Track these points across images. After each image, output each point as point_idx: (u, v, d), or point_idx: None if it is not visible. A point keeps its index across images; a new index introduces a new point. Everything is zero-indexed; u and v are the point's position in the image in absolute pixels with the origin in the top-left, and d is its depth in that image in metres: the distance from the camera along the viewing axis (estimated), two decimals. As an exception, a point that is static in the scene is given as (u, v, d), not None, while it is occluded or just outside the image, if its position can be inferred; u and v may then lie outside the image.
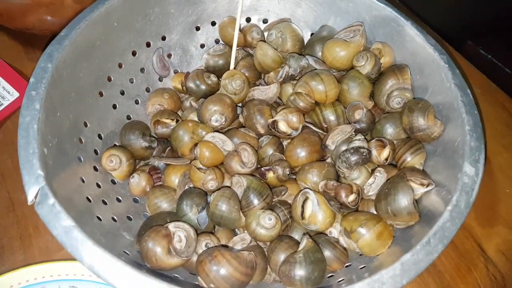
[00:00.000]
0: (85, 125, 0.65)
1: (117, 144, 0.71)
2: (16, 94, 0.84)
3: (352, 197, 0.63)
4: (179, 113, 0.79)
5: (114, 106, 0.72)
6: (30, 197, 0.47)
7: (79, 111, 0.64)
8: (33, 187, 0.48)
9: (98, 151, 0.67)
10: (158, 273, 0.53)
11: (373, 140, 0.68)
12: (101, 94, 0.69)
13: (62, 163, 0.55)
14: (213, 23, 0.83)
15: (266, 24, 0.86)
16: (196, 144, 0.68)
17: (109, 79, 0.71)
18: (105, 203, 0.62)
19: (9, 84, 0.84)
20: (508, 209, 0.81)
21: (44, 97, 0.54)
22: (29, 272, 0.58)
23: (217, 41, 0.85)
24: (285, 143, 0.72)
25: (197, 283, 0.55)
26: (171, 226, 0.57)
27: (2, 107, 0.82)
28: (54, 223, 0.46)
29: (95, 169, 0.64)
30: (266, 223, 0.59)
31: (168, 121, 0.73)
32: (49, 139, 0.53)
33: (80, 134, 0.63)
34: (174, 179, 0.69)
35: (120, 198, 0.66)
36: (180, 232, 0.57)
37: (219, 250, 0.54)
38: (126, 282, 0.45)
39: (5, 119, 0.83)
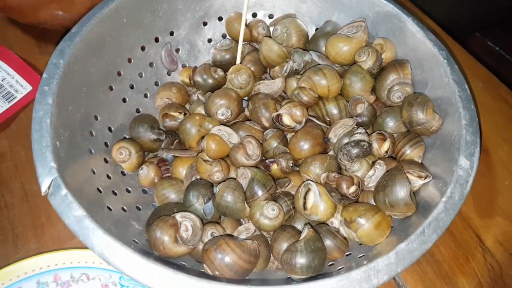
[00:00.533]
0: (96, 118, 0.67)
1: (127, 136, 0.74)
2: (29, 88, 0.87)
3: (352, 189, 0.65)
4: (187, 106, 0.81)
5: (124, 100, 0.74)
6: (44, 188, 0.50)
7: (90, 105, 0.66)
8: (46, 178, 0.50)
9: (109, 143, 0.69)
10: (165, 260, 0.55)
11: (374, 134, 0.70)
12: (111, 88, 0.71)
13: (74, 156, 0.58)
14: (220, 19, 0.85)
15: (271, 20, 0.87)
16: (203, 137, 0.71)
17: (119, 74, 0.73)
18: (115, 193, 0.64)
19: (22, 78, 0.87)
20: (507, 201, 0.82)
21: (56, 92, 0.57)
22: (43, 259, 0.61)
23: (223, 36, 0.87)
24: (289, 136, 0.74)
25: (202, 270, 0.58)
26: (178, 216, 0.59)
27: (16, 100, 0.85)
28: (66, 213, 0.49)
29: (106, 161, 0.67)
30: (269, 214, 0.61)
31: (176, 114, 0.76)
32: (61, 133, 0.56)
33: (91, 127, 0.66)
34: (181, 170, 0.72)
35: (129, 189, 0.68)
36: (186, 221, 0.59)
37: (224, 239, 0.57)
38: (135, 269, 0.47)
39: (19, 111, 0.86)
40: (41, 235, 0.72)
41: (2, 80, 0.84)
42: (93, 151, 0.64)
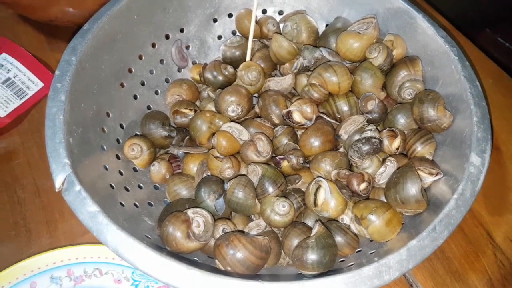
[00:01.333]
0: (108, 115, 0.68)
1: (138, 133, 0.74)
2: (41, 84, 0.88)
3: (363, 186, 0.65)
4: (197, 103, 0.82)
5: (135, 97, 0.75)
6: (58, 184, 0.50)
7: (102, 101, 0.67)
8: (60, 174, 0.51)
9: (120, 140, 0.70)
10: (178, 256, 0.56)
11: (385, 130, 0.71)
12: (122, 85, 0.72)
13: (87, 152, 0.59)
14: (230, 15, 0.86)
15: (281, 16, 0.88)
16: (213, 134, 0.71)
17: (130, 71, 0.74)
18: (127, 189, 0.65)
19: (34, 75, 0.88)
20: None
21: (69, 89, 0.58)
22: (56, 255, 0.62)
23: (233, 33, 0.88)
24: (299, 133, 0.75)
25: (214, 265, 0.58)
26: (190, 212, 0.60)
27: (27, 96, 0.86)
28: (80, 208, 0.49)
29: (118, 157, 0.68)
30: (280, 210, 0.62)
31: (186, 111, 0.76)
32: (74, 129, 0.57)
33: (103, 124, 0.67)
34: (192, 167, 0.73)
35: (141, 185, 0.69)
36: (198, 217, 0.60)
37: (235, 235, 0.58)
38: (148, 264, 0.48)
39: (30, 108, 0.87)
40: (53, 231, 0.73)
41: (14, 77, 0.85)
42: (105, 147, 0.65)
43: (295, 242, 0.61)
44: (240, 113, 0.73)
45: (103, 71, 0.67)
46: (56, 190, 0.50)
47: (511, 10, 1.77)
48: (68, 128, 0.55)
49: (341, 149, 0.74)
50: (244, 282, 0.47)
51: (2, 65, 0.85)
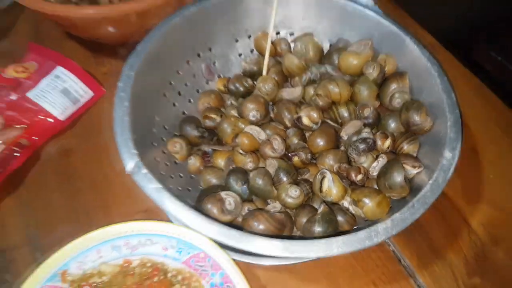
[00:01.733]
0: (155, 119, 0.83)
1: (177, 133, 0.89)
2: (91, 93, 1.02)
3: (360, 177, 0.78)
4: (223, 109, 0.95)
5: (174, 105, 0.90)
6: (129, 168, 0.65)
7: (151, 108, 0.82)
8: (130, 161, 0.66)
9: (164, 138, 0.85)
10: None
11: (378, 133, 0.83)
12: (164, 95, 0.87)
13: (144, 146, 0.73)
14: (249, 37, 0.99)
15: (292, 37, 1.01)
16: (237, 135, 0.85)
17: (170, 83, 0.88)
18: (171, 177, 0.80)
19: (85, 85, 1.02)
20: (490, 191, 0.96)
21: (130, 97, 0.73)
22: (116, 228, 0.72)
23: (252, 51, 1.01)
24: (307, 134, 0.88)
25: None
26: (223, 194, 0.74)
27: (80, 103, 1.01)
28: (147, 186, 0.64)
29: (163, 152, 0.82)
30: (292, 194, 0.76)
31: (214, 116, 0.90)
32: (134, 129, 0.71)
33: (153, 126, 0.82)
34: (220, 161, 0.87)
35: (181, 174, 0.84)
36: (229, 197, 0.74)
37: (259, 212, 0.72)
38: (200, 225, 0.63)
39: (83, 113, 1.02)
40: (109, 214, 0.86)
41: (69, 87, 1.00)
42: (155, 144, 0.80)
43: (305, 219, 0.75)
44: (259, 118, 0.86)
45: (152, 84, 0.81)
46: (127, 172, 0.65)
47: (505, 26, 1.82)
48: (131, 127, 0.70)
49: (342, 148, 0.86)
50: (268, 239, 0.61)
51: (59, 77, 0.99)
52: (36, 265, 0.69)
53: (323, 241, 0.61)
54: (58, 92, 0.99)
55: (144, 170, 0.65)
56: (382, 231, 0.64)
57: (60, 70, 1.01)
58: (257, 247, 0.61)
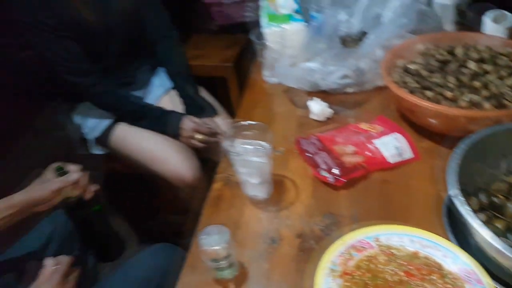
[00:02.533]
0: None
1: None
2: (411, 155, 1.51)
3: None
4: None
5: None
6: (453, 193, 1.12)
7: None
8: (453, 189, 1.12)
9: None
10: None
11: None
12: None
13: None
14: None
15: None
16: None
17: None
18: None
19: (410, 149, 1.52)
20: None
21: (455, 165, 1.20)
22: (412, 230, 1.20)
23: None
24: None
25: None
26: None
27: (403, 158, 1.50)
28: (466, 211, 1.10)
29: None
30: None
31: None
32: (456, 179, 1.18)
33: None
34: None
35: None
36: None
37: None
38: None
39: (403, 164, 1.51)
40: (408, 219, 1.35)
41: (400, 146, 1.48)
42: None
43: None
44: None
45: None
46: (451, 197, 1.12)
47: None
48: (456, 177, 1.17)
49: None
50: None
51: (396, 139, 1.50)
52: (353, 228, 1.19)
53: None
54: (392, 146, 1.51)
55: (462, 199, 1.11)
56: None
57: (397, 135, 1.56)
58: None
